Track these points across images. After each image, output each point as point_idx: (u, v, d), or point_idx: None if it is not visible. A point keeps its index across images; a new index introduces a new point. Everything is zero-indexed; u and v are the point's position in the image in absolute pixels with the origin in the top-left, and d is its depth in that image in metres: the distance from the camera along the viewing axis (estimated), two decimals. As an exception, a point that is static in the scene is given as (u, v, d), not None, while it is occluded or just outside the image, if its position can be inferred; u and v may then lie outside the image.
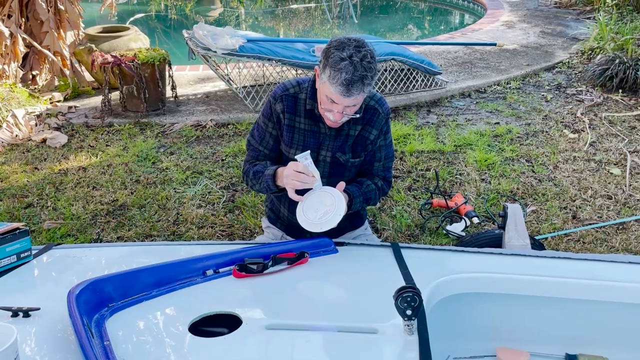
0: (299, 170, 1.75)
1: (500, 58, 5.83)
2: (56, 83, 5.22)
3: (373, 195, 1.99)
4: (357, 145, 1.95)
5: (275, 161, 2.01)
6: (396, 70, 4.88)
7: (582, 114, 4.51)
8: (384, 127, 1.96)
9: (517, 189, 3.40)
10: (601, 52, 5.55)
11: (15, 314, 1.37)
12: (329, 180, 1.96)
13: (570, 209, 3.20)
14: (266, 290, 1.54)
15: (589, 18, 7.23)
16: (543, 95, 4.95)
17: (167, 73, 4.68)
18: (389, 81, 4.85)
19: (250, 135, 2.04)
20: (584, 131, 4.20)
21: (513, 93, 4.99)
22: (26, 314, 1.37)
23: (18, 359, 1.06)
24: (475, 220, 2.97)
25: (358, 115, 1.85)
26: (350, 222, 2.12)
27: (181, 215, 3.20)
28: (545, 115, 4.51)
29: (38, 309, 1.38)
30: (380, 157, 2.01)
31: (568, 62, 5.71)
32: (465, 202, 3.09)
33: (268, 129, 1.98)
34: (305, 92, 1.91)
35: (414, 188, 3.45)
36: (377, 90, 4.84)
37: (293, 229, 2.10)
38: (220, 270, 1.62)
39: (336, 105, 1.77)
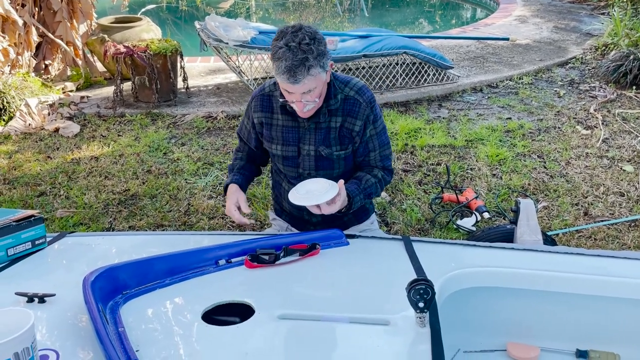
0: (233, 219, 1.93)
1: (513, 53, 5.78)
2: (69, 73, 5.25)
3: (374, 189, 1.96)
4: (343, 137, 1.91)
5: (256, 154, 2.11)
6: (408, 64, 4.86)
7: (595, 110, 4.47)
8: (369, 116, 1.90)
9: (529, 184, 3.39)
10: (615, 48, 5.49)
11: (30, 299, 1.39)
12: (316, 174, 1.95)
13: (582, 206, 3.18)
14: (278, 280, 1.55)
15: (603, 13, 7.15)
16: (556, 90, 4.91)
17: (178, 64, 4.69)
18: (400, 75, 4.83)
19: (240, 124, 2.13)
20: (596, 127, 4.16)
21: (525, 88, 4.96)
22: (42, 299, 1.39)
23: (35, 343, 1.07)
24: (486, 215, 2.96)
25: (317, 101, 1.80)
26: (354, 215, 2.11)
27: (192, 205, 3.22)
28: (558, 111, 4.48)
29: (53, 295, 1.40)
30: (374, 146, 1.96)
31: (581, 57, 5.65)
32: (476, 197, 3.09)
33: (246, 123, 2.06)
34: (280, 89, 1.90)
35: (424, 182, 3.44)
36: (387, 84, 4.84)
37: (297, 221, 2.12)
38: (233, 260, 1.62)
39: (293, 95, 1.76)
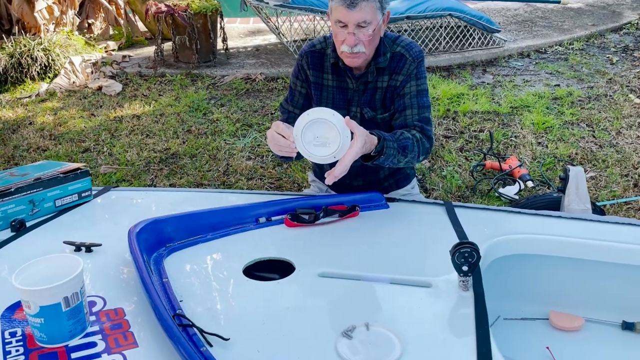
0: (278, 132, 1.54)
1: (564, 17, 5.52)
2: (111, 32, 5.30)
3: (410, 143, 1.71)
4: (388, 98, 1.83)
5: None
6: (452, 26, 4.70)
7: (650, 78, 4.25)
8: (413, 71, 1.79)
9: (576, 153, 3.27)
10: (676, 12, 5.17)
11: (78, 248, 1.43)
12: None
13: (631, 177, 3.05)
14: (318, 240, 1.54)
15: (664, -24, 6.72)
16: (608, 57, 4.68)
17: (218, 24, 4.67)
18: (444, 38, 4.68)
19: (284, 99, 2.00)
20: (651, 96, 3.97)
21: (576, 54, 4.74)
22: (88, 249, 1.43)
23: (84, 289, 1.10)
24: (530, 184, 2.88)
25: (365, 52, 1.69)
26: (395, 181, 2.07)
27: (231, 166, 3.24)
28: (610, 79, 4.27)
29: (100, 244, 1.44)
30: (412, 104, 1.80)
31: (637, 23, 5.35)
32: (520, 165, 3.00)
33: (297, 88, 1.93)
34: (331, 46, 1.82)
35: (466, 149, 3.36)
36: (430, 48, 4.70)
37: (336, 184, 2.07)
38: (273, 218, 1.63)
39: (346, 28, 1.66)
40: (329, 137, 1.49)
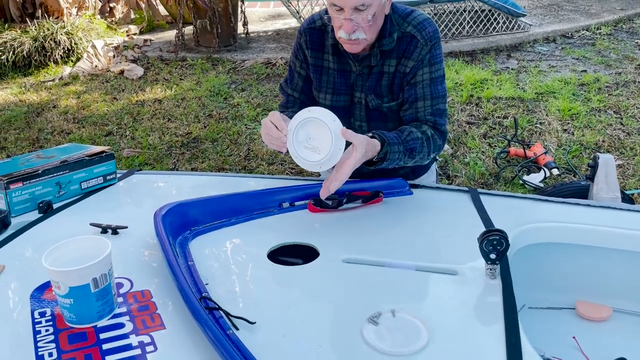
0: (272, 121, 1.43)
1: (591, 1, 5.38)
2: (132, 16, 5.31)
3: (418, 144, 1.58)
4: (394, 85, 1.64)
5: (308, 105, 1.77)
6: (476, 10, 4.61)
7: (681, 64, 4.13)
8: (425, 56, 1.58)
9: (603, 141, 3.20)
10: None
11: (104, 230, 1.44)
12: (368, 125, 1.74)
13: (660, 166, 2.99)
14: (341, 225, 1.54)
15: (698, -42, 6.49)
16: (637, 42, 4.56)
17: (239, 8, 4.64)
18: (468, 22, 4.59)
19: (284, 79, 1.87)
20: (682, 83, 3.86)
21: (603, 39, 4.62)
22: (115, 231, 1.44)
23: (112, 270, 1.11)
24: (555, 171, 2.84)
25: (366, 38, 1.52)
26: (411, 170, 1.95)
27: (252, 151, 3.25)
28: (639, 64, 4.16)
29: (126, 227, 1.45)
30: (424, 94, 1.62)
31: (669, 6, 5.19)
32: (545, 153, 2.95)
33: (296, 69, 1.77)
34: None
35: (489, 135, 3.32)
36: (454, 32, 4.62)
37: (355, 171, 2.03)
38: (296, 203, 1.62)
39: (342, 13, 1.47)
40: (320, 143, 1.39)
